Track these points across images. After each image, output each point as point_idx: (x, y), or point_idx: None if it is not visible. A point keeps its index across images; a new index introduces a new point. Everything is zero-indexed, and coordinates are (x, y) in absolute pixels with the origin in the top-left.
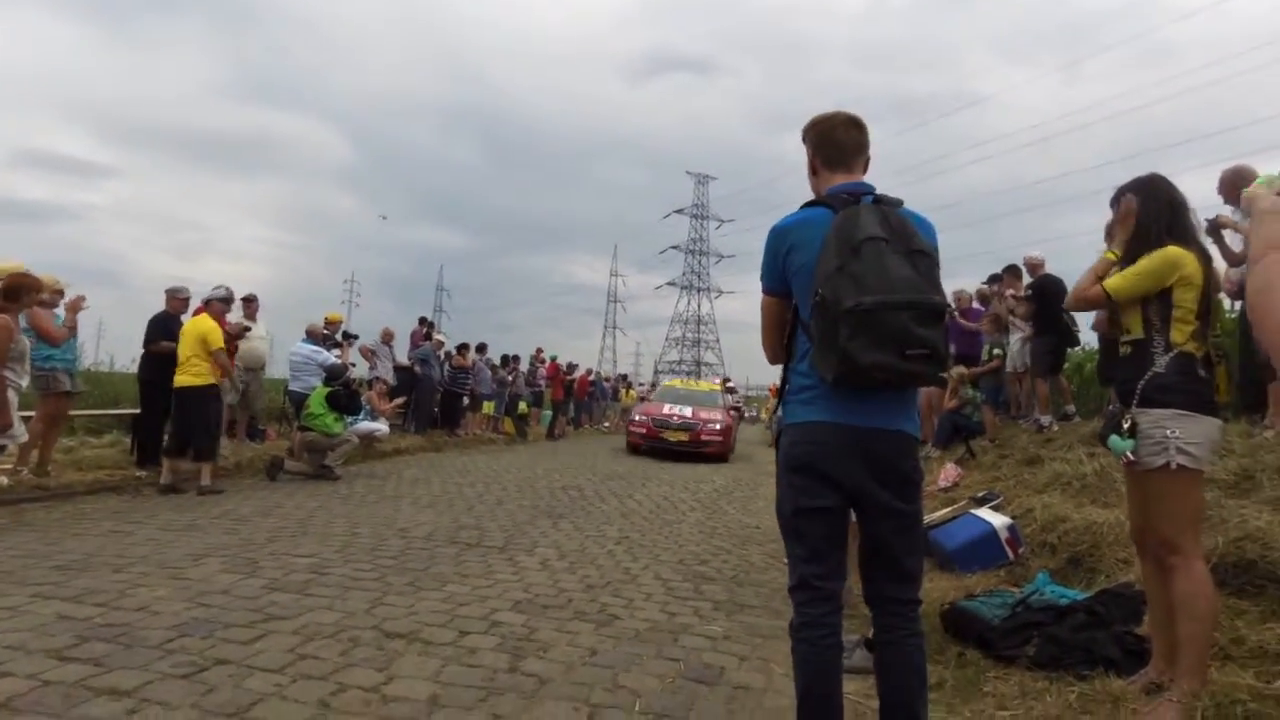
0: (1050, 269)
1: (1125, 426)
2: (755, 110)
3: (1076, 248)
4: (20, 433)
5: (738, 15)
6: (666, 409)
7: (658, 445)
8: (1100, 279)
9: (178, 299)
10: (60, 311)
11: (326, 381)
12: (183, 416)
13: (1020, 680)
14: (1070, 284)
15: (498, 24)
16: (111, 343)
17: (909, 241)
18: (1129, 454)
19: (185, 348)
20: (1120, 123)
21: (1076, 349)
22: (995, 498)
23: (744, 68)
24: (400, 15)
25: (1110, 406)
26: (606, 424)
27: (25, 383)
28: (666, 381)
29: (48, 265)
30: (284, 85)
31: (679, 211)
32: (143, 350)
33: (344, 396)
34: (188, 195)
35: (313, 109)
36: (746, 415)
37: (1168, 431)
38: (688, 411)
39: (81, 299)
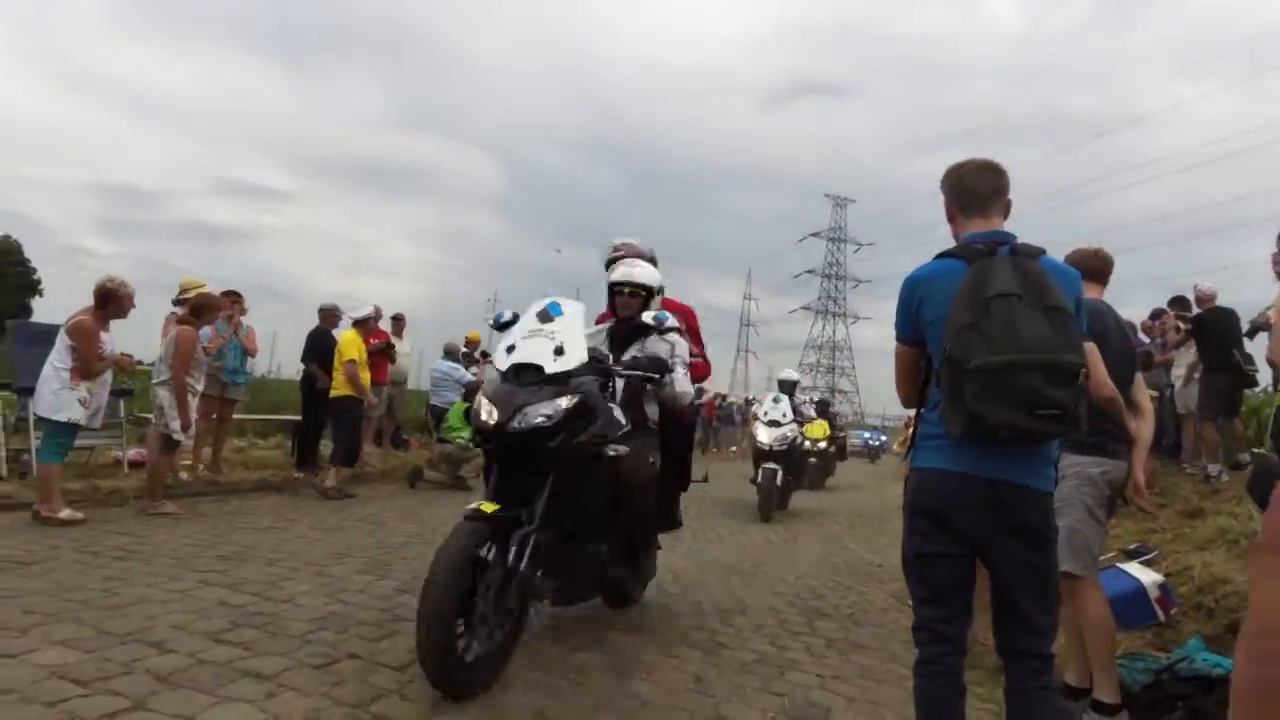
0: (1225, 300)
1: None
2: (897, 133)
3: (1255, 277)
4: (191, 433)
5: (877, 38)
6: None
7: None
8: None
9: (332, 315)
10: (225, 323)
11: (465, 397)
12: (331, 423)
13: None
14: (1244, 315)
15: (630, 55)
16: (281, 352)
17: (1044, 297)
18: None
19: (336, 361)
20: None
21: (1256, 389)
22: (1148, 552)
23: (886, 89)
24: (537, 44)
25: (1260, 456)
26: (734, 449)
27: (202, 388)
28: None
29: (232, 281)
30: (438, 115)
31: (815, 235)
32: (301, 364)
33: None
34: (352, 219)
35: (465, 138)
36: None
37: None
38: None
39: (241, 309)
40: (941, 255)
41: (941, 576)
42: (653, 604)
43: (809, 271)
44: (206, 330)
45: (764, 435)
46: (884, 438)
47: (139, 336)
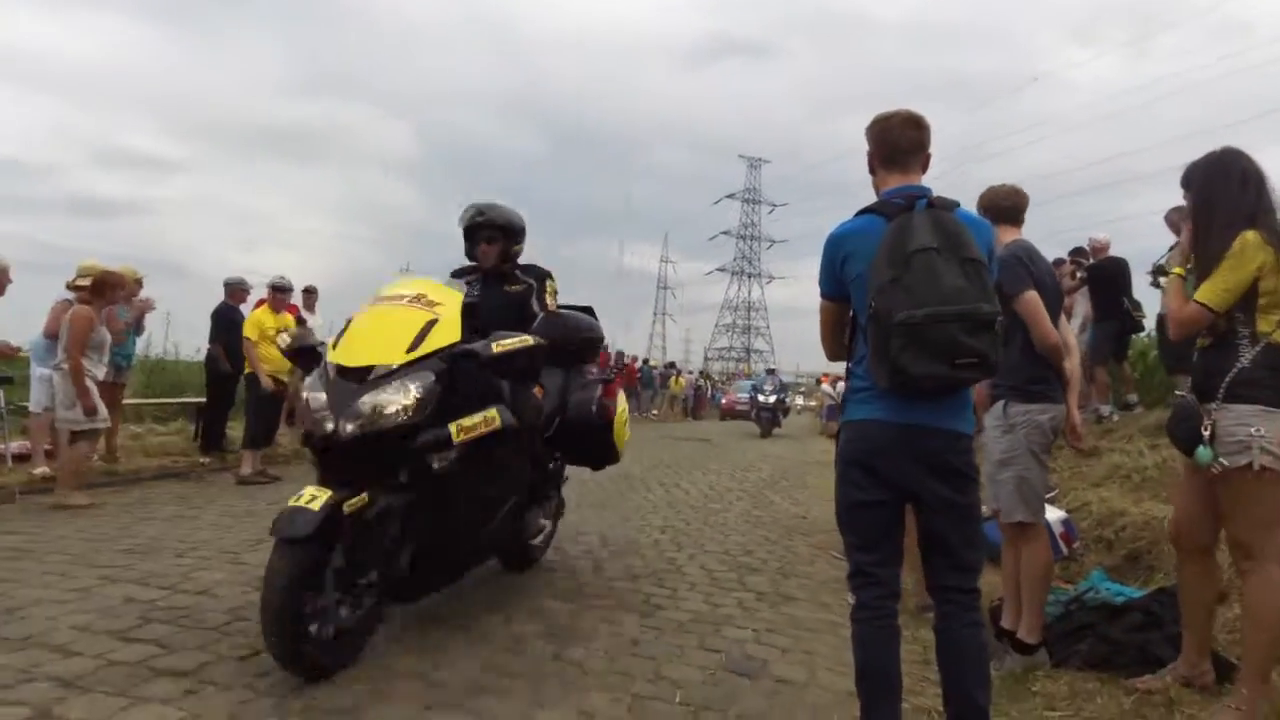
0: (1118, 251)
1: (1207, 434)
2: (810, 93)
3: (1147, 228)
4: (104, 417)
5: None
6: None
7: None
8: (1188, 297)
9: (239, 291)
10: (126, 307)
11: None
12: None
13: (1070, 681)
14: (1137, 266)
15: (552, 15)
16: (177, 331)
17: (961, 249)
18: (1219, 464)
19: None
20: (1189, 98)
21: (1140, 335)
22: (1049, 490)
23: (799, 50)
24: (452, 5)
25: (1180, 400)
26: (655, 412)
27: (101, 373)
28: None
29: (122, 258)
30: (343, 76)
31: (730, 196)
32: (208, 344)
33: None
34: (250, 187)
35: (374, 101)
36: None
37: (1252, 430)
38: None
39: (150, 302)
40: (862, 211)
41: (873, 523)
42: (585, 570)
43: (724, 233)
44: (122, 310)
45: (765, 399)
46: (812, 403)
47: (18, 322)
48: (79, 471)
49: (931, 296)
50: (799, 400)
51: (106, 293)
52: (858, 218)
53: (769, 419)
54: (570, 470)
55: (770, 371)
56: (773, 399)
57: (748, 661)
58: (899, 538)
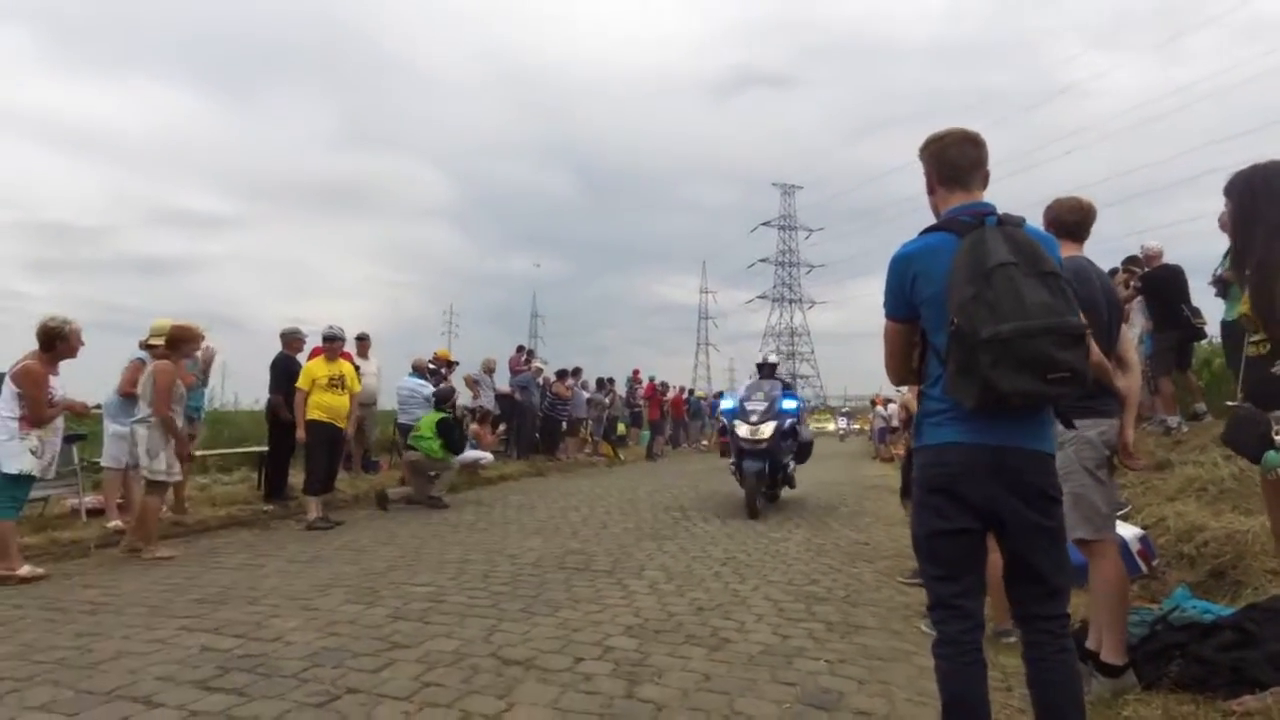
0: (1170, 258)
1: (1278, 439)
2: (837, 119)
3: (1193, 233)
4: (179, 470)
5: (814, 26)
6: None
7: None
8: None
9: (295, 340)
10: (193, 361)
11: (438, 406)
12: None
13: (1164, 704)
14: (1190, 273)
15: (578, 61)
16: (235, 382)
17: (1039, 263)
18: None
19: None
20: (1219, 102)
21: (1203, 342)
22: (1122, 507)
23: (822, 78)
24: (485, 55)
25: (1238, 407)
26: (704, 442)
27: (183, 424)
28: None
29: (181, 313)
30: (384, 130)
31: (766, 224)
32: (268, 394)
33: (453, 426)
34: (300, 241)
35: (412, 152)
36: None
37: None
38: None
39: (213, 351)
40: (929, 230)
41: (957, 552)
42: (650, 606)
43: (763, 260)
44: (191, 363)
45: (752, 431)
46: (855, 426)
47: (84, 379)
48: (153, 522)
49: (1016, 311)
50: (833, 425)
51: (182, 346)
52: (925, 236)
53: (757, 474)
54: (625, 501)
55: (766, 370)
56: (766, 430)
57: (824, 695)
58: (983, 567)
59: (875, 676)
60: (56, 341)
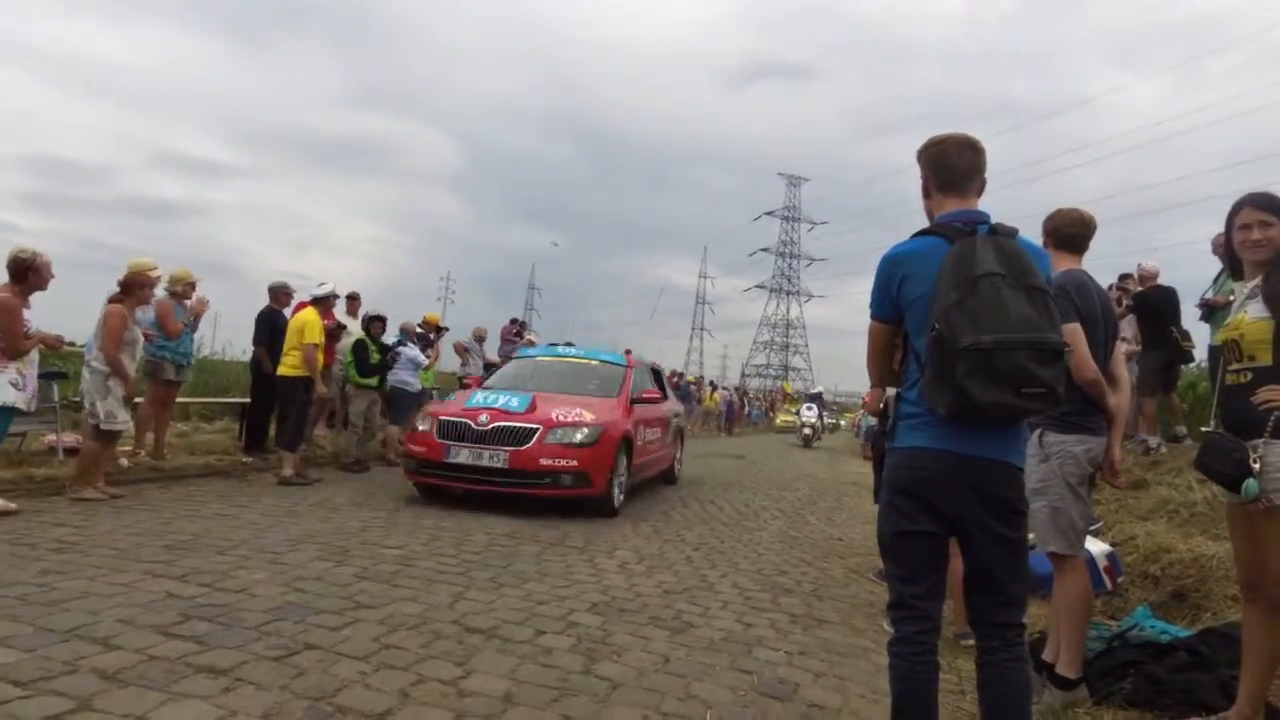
0: (1166, 280)
1: (1256, 467)
2: (850, 115)
3: (1192, 256)
4: (126, 419)
5: (835, 20)
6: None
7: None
8: None
9: (283, 294)
10: (184, 306)
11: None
12: (279, 405)
13: (1112, 719)
14: (1184, 296)
15: (594, 34)
16: (227, 331)
17: (1026, 277)
18: (1268, 499)
19: (288, 340)
20: (1236, 125)
21: (1190, 365)
22: (1095, 522)
23: (840, 73)
24: (500, 23)
25: (1214, 434)
26: (690, 427)
27: (132, 369)
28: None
29: (178, 259)
30: (393, 91)
31: (770, 213)
32: (253, 346)
33: (364, 347)
34: (305, 195)
35: (423, 116)
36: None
37: None
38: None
39: (205, 302)
40: (920, 233)
41: (919, 554)
42: (618, 584)
43: (764, 250)
44: (179, 309)
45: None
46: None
47: (74, 316)
48: (94, 467)
49: (999, 323)
50: (793, 420)
51: (135, 290)
52: (916, 239)
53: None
54: None
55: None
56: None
57: (779, 684)
58: (944, 570)
59: (832, 671)
60: (28, 273)
